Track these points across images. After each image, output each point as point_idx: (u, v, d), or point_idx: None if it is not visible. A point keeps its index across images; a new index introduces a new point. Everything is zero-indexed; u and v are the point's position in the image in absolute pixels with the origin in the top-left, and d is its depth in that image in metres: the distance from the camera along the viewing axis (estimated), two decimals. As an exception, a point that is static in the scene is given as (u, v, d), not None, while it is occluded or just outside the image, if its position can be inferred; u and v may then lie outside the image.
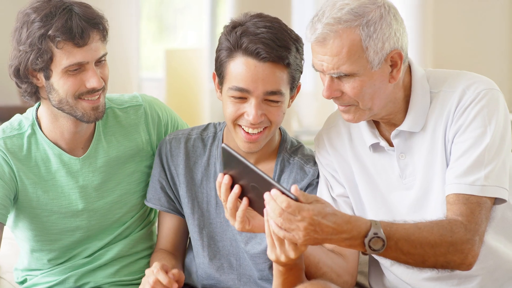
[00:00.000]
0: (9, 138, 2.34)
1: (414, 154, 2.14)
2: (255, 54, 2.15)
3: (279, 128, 2.38)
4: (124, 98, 2.48)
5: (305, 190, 2.31)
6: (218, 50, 2.23)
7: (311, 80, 7.81)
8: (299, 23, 7.68)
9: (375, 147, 2.19)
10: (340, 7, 2.02)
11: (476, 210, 2.00)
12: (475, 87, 2.08)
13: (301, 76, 2.27)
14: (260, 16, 2.22)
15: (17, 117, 2.40)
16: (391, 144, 2.17)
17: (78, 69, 2.24)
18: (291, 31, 2.22)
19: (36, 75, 2.27)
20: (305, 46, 2.20)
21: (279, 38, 2.17)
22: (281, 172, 2.34)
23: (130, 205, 2.45)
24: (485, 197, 2.02)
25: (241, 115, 2.21)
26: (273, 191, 1.83)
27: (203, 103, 5.99)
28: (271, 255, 1.91)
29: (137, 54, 6.28)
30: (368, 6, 2.03)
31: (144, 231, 2.49)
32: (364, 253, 1.97)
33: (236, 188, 1.91)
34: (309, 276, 2.14)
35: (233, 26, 2.20)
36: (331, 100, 2.11)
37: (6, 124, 2.39)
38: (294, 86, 2.25)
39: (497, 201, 2.06)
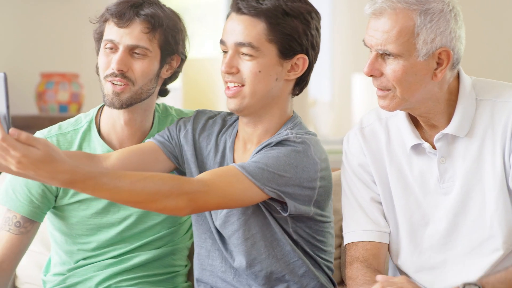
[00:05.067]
0: (62, 135, 2.39)
1: (454, 159, 2.13)
2: (236, 9, 2.20)
3: (294, 115, 2.28)
4: (185, 111, 2.52)
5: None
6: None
7: (328, 90, 7.81)
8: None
9: (416, 148, 2.17)
10: None
11: None
12: None
13: (316, 55, 2.23)
14: None
15: (78, 115, 2.45)
16: (433, 147, 2.16)
17: (111, 48, 2.33)
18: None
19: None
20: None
21: None
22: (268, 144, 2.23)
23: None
24: None
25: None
26: None
27: (220, 113, 5.99)
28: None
29: (154, 63, 6.29)
30: None
31: (177, 251, 2.46)
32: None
33: None
34: None
35: None
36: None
37: (65, 121, 2.44)
38: (286, 52, 2.20)
39: None
